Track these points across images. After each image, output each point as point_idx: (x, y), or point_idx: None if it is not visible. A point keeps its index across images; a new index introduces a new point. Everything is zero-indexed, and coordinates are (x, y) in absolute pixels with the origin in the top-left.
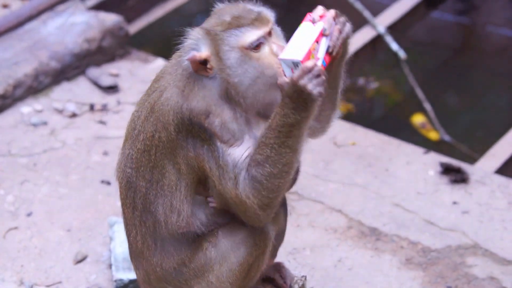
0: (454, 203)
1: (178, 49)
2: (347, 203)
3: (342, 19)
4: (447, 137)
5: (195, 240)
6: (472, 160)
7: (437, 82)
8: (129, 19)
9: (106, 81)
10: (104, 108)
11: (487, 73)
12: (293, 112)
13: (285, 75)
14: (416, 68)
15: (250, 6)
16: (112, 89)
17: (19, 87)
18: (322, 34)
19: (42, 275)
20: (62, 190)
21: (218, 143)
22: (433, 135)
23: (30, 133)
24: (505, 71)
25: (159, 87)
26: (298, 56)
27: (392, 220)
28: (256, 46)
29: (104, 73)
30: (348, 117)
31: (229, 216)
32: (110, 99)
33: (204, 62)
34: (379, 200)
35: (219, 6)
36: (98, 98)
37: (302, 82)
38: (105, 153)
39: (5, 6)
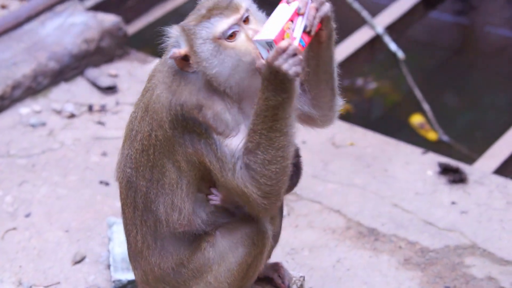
0: (453, 203)
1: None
2: (345, 204)
3: None
4: (445, 137)
5: (195, 240)
6: (470, 160)
7: (436, 82)
8: (128, 20)
9: (105, 81)
10: (102, 108)
11: (485, 73)
12: (273, 94)
13: (262, 58)
14: (414, 68)
15: None
16: (110, 89)
17: (17, 88)
18: (297, 13)
19: (41, 275)
20: (60, 191)
21: (215, 135)
22: (431, 135)
23: (29, 134)
24: (503, 71)
25: (151, 86)
26: (271, 35)
27: (391, 220)
28: (231, 35)
29: (103, 73)
30: (346, 117)
31: (229, 215)
32: (109, 100)
33: (186, 58)
34: (378, 200)
35: (201, 0)
36: (97, 98)
37: (277, 62)
38: (104, 154)
39: (3, 6)
